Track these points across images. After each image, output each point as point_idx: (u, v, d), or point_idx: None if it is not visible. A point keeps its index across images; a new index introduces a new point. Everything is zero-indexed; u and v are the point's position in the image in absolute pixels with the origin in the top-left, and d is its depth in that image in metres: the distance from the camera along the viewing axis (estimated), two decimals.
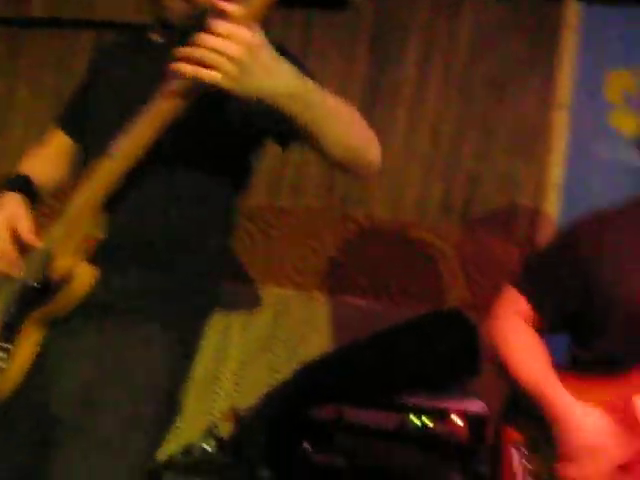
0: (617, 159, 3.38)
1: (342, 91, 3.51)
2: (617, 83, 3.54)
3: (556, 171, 3.53)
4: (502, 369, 2.12)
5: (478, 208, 3.61)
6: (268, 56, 1.49)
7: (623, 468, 1.87)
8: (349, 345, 3.21)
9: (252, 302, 3.60)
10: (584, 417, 1.92)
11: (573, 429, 1.92)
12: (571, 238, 2.14)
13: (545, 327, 2.15)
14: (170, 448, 3.13)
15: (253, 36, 1.44)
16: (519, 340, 2.11)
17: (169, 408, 1.87)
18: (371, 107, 3.67)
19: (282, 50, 1.58)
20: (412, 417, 2.91)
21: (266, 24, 1.49)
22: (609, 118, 3.51)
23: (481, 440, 2.85)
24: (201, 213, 1.90)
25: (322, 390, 2.98)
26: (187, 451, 3.16)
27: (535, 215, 3.51)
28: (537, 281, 2.15)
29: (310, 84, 1.59)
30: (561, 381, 2.01)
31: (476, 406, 2.89)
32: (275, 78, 1.51)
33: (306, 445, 2.92)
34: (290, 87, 1.53)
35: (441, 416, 2.89)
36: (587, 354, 2.09)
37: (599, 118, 3.52)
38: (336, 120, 1.66)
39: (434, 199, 3.63)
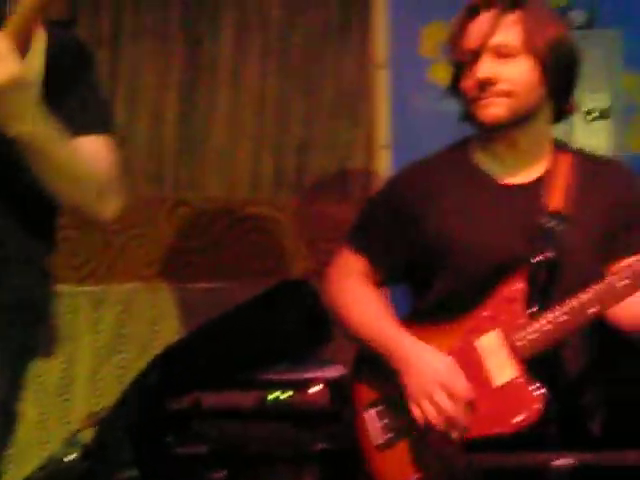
0: (439, 111, 3.50)
1: (160, 73, 3.60)
2: (433, 36, 3.61)
3: (382, 130, 3.59)
4: (346, 329, 2.17)
5: (311, 175, 3.66)
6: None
7: (469, 405, 1.93)
8: (198, 330, 3.18)
9: (97, 302, 3.54)
10: (427, 356, 1.98)
11: (419, 368, 1.97)
12: (396, 189, 2.21)
13: (383, 280, 2.20)
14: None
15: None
16: (357, 297, 2.15)
17: (5, 420, 1.81)
18: (192, 87, 3.64)
19: (80, 56, 1.57)
20: (270, 392, 2.89)
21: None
22: (428, 72, 3.60)
23: (344, 404, 2.91)
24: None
25: (177, 380, 2.95)
26: (45, 465, 3.09)
27: (368, 175, 3.58)
28: (368, 236, 2.19)
29: (44, 133, 1.57)
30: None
31: (335, 371, 2.90)
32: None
33: (169, 438, 2.92)
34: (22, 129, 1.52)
35: (300, 386, 2.89)
36: (425, 303, 2.14)
37: (419, 73, 3.60)
38: (57, 175, 1.64)
39: (266, 172, 3.64)
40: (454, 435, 1.91)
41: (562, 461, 1.05)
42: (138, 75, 3.66)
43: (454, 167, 2.15)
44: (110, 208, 1.82)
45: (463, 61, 2.03)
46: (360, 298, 2.15)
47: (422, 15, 3.65)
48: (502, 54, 1.98)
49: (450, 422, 1.92)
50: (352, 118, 3.68)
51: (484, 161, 2.13)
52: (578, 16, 3.56)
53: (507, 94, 1.99)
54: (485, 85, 1.98)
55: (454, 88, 2.11)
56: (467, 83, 2.03)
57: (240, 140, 3.67)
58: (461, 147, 2.19)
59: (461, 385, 1.94)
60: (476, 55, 2.00)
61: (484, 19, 2.00)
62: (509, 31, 1.98)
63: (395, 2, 3.67)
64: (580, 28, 3.52)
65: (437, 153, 2.22)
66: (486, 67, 1.98)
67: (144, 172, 3.63)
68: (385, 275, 2.20)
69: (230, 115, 3.68)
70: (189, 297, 3.56)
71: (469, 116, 2.08)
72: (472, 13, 2.03)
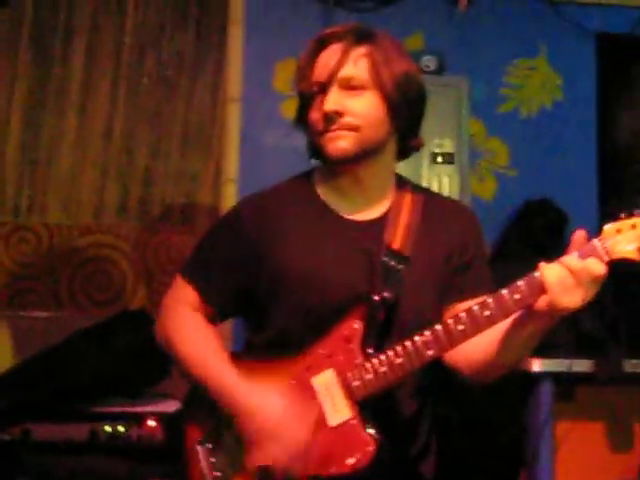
0: (289, 146, 3.58)
1: (8, 94, 3.58)
2: (287, 72, 3.69)
3: (231, 164, 3.64)
4: (179, 366, 2.08)
5: (156, 206, 3.66)
6: None
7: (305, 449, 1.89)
8: (30, 359, 3.14)
9: None
10: (263, 400, 1.93)
11: (254, 414, 1.92)
12: (235, 221, 2.12)
13: (215, 314, 2.11)
14: None
15: None
16: (189, 334, 2.07)
17: None
18: (39, 111, 3.62)
19: None
20: (104, 425, 2.87)
21: None
22: (280, 108, 3.70)
23: (178, 439, 2.92)
24: None
25: (7, 410, 2.91)
26: None
27: (214, 208, 3.62)
28: (202, 268, 2.11)
29: None
30: (238, 367, 1.99)
31: (170, 406, 2.88)
32: None
33: None
34: None
35: (135, 421, 2.88)
36: (262, 337, 2.08)
37: (270, 108, 3.69)
38: None
39: (110, 200, 3.63)
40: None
41: None
42: None
43: (297, 199, 2.09)
44: None
45: (311, 93, 1.97)
46: (192, 335, 2.07)
47: (277, 51, 3.74)
48: (350, 87, 1.95)
49: (284, 471, 1.90)
50: (201, 150, 3.71)
51: (328, 195, 2.09)
52: (430, 62, 3.74)
53: (354, 128, 1.95)
54: (332, 118, 1.94)
55: (301, 121, 2.04)
56: (314, 115, 1.96)
57: (85, 166, 3.65)
58: (305, 179, 2.13)
59: (296, 431, 1.91)
60: (324, 87, 1.96)
61: (332, 51, 1.97)
62: (357, 64, 1.96)
63: (251, 37, 3.75)
64: (431, 73, 3.70)
65: (280, 184, 2.15)
66: (333, 100, 1.94)
67: None
68: (217, 310, 2.11)
69: (76, 141, 3.66)
70: (25, 325, 3.49)
71: (316, 150, 2.01)
72: (321, 45, 2.00)
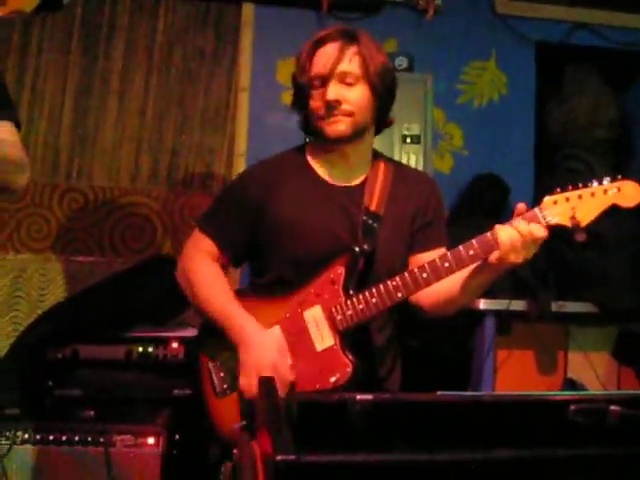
0: (288, 127, 3.57)
1: (62, 82, 3.54)
2: (286, 69, 3.67)
3: (241, 142, 3.62)
4: (194, 303, 2.07)
5: (180, 173, 3.63)
6: None
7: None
8: (78, 294, 3.12)
9: None
10: (260, 338, 1.93)
11: (253, 348, 1.92)
12: (242, 183, 2.13)
13: (227, 259, 2.10)
14: None
15: None
16: (205, 276, 2.05)
17: None
18: (86, 96, 3.57)
19: None
20: (137, 346, 2.86)
21: None
22: (281, 96, 3.66)
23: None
24: None
25: (59, 334, 2.91)
26: None
27: (227, 177, 3.59)
28: (216, 221, 2.09)
29: None
30: (243, 303, 1.99)
31: (190, 332, 2.87)
32: None
33: (50, 382, 2.86)
34: None
35: (162, 343, 2.87)
36: (263, 279, 2.08)
37: (273, 97, 3.65)
38: None
39: (144, 168, 3.59)
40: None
41: (363, 396, 1.11)
42: (41, 81, 3.56)
43: (292, 167, 2.09)
44: (22, 180, 1.82)
45: (311, 84, 1.97)
46: (205, 277, 2.06)
47: (280, 50, 3.70)
48: (346, 80, 1.95)
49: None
50: (217, 130, 3.66)
51: (318, 165, 2.09)
52: (402, 61, 3.70)
53: (350, 114, 1.96)
54: (332, 106, 1.94)
55: (299, 107, 2.04)
56: (315, 103, 1.96)
57: (123, 141, 3.61)
58: (298, 152, 2.14)
59: (286, 368, 1.91)
60: (325, 80, 1.95)
61: (330, 49, 1.96)
62: (351, 61, 1.95)
63: (259, 38, 3.70)
64: (403, 71, 3.66)
65: (278, 155, 2.15)
66: (333, 91, 1.94)
67: (42, 162, 3.53)
68: (229, 256, 2.10)
69: (116, 120, 3.61)
70: (73, 268, 3.47)
71: (315, 131, 2.01)
72: (318, 45, 1.99)
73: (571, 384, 3.07)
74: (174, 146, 3.64)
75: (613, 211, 3.02)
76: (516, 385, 3.06)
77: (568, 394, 1.13)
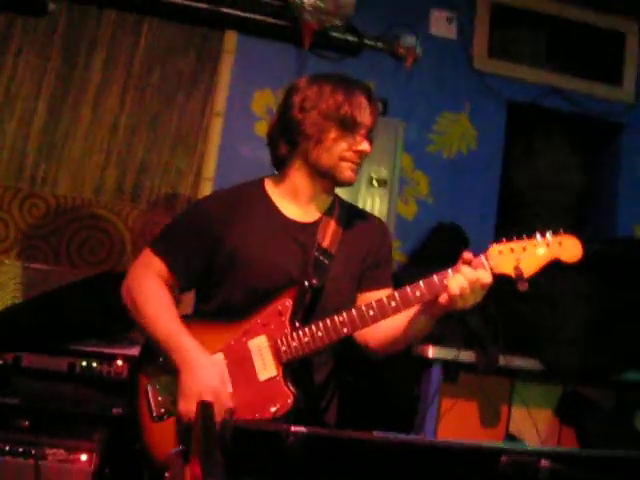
0: (258, 158, 3.59)
1: (38, 86, 3.52)
2: (262, 100, 3.76)
3: (210, 166, 3.62)
4: (139, 322, 2.02)
5: (146, 191, 3.60)
6: None
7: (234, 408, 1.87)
8: (27, 301, 3.11)
9: None
10: (203, 362, 1.90)
11: (193, 372, 1.89)
12: (200, 209, 2.12)
13: (177, 284, 2.08)
14: None
15: None
16: (152, 296, 2.02)
17: None
18: (61, 103, 3.55)
19: None
20: (81, 360, 2.82)
21: None
22: (255, 126, 3.71)
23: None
24: None
25: (3, 340, 2.86)
26: None
27: (192, 199, 3.57)
28: (170, 243, 2.07)
29: None
30: (187, 328, 1.96)
31: (136, 350, 2.82)
32: None
33: None
34: None
35: (106, 359, 2.83)
36: (210, 306, 2.06)
37: (247, 126, 3.67)
38: None
39: (110, 182, 3.57)
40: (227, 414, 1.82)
41: (297, 428, 1.10)
42: (17, 83, 3.53)
43: (252, 199, 2.09)
44: None
45: (356, 129, 1.98)
46: (152, 297, 2.02)
47: (258, 81, 3.74)
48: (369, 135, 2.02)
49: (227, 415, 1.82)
50: (187, 152, 3.66)
51: (277, 200, 2.09)
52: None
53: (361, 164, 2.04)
54: (361, 157, 2.01)
55: (297, 135, 2.01)
56: (343, 147, 1.98)
57: (93, 152, 3.59)
58: (258, 184, 2.13)
59: (226, 395, 1.89)
60: (367, 130, 1.99)
61: (364, 101, 2.00)
62: (374, 117, 2.01)
63: (239, 66, 3.73)
64: None
65: (238, 185, 2.15)
66: (367, 143, 2.00)
67: (7, 165, 3.48)
68: (178, 279, 2.07)
69: (87, 131, 3.59)
70: (27, 274, 3.41)
71: (325, 168, 2.01)
72: (350, 89, 2.01)
73: (511, 439, 3.08)
74: (142, 163, 3.63)
75: (568, 269, 3.09)
76: (458, 434, 3.06)
77: (501, 445, 1.14)
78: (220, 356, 1.96)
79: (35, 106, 3.56)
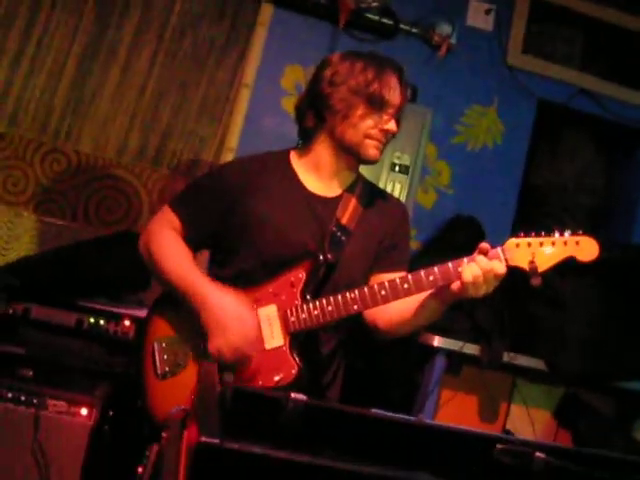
0: (282, 133, 3.60)
1: (69, 42, 3.53)
2: (292, 75, 3.73)
3: (234, 137, 3.60)
4: (156, 272, 2.05)
5: (168, 155, 3.61)
6: None
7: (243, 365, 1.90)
8: (41, 254, 3.13)
9: None
10: (222, 298, 1.92)
11: (214, 307, 1.90)
12: (222, 173, 2.14)
13: (191, 242, 2.08)
14: None
15: None
16: (169, 246, 2.04)
17: None
18: (91, 61, 3.55)
19: None
20: (89, 317, 2.84)
21: None
22: (282, 101, 3.69)
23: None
24: None
25: (15, 290, 2.88)
26: None
27: (213, 167, 3.53)
28: (187, 203, 2.09)
29: None
30: None
31: (143, 312, 2.89)
32: None
33: None
34: None
35: (114, 318, 2.86)
36: (224, 271, 2.07)
37: (274, 100, 3.66)
38: None
39: (132, 144, 3.57)
40: (230, 370, 1.86)
41: (297, 396, 1.11)
42: (48, 37, 3.53)
43: (275, 168, 2.09)
44: None
45: (383, 107, 1.98)
46: (171, 247, 2.04)
47: (290, 55, 3.71)
48: (395, 115, 2.02)
49: (238, 354, 1.89)
50: (212, 121, 3.66)
51: (301, 172, 2.09)
52: None
53: (386, 144, 2.05)
54: (388, 136, 2.01)
55: (324, 109, 2.02)
56: (369, 124, 1.98)
57: (118, 113, 3.59)
58: (283, 155, 2.14)
59: (251, 323, 1.91)
60: (395, 110, 2.00)
61: (394, 81, 2.01)
62: (403, 97, 2.02)
63: (272, 39, 3.71)
64: None
65: (263, 153, 2.16)
66: (394, 123, 2.00)
67: (33, 118, 3.51)
68: (192, 238, 2.09)
69: (115, 92, 3.59)
70: (42, 228, 3.44)
71: (349, 144, 2.01)
72: (382, 67, 2.01)
73: (507, 435, 3.08)
74: (167, 128, 3.64)
75: (581, 273, 3.07)
76: None
77: (497, 435, 1.15)
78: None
79: (65, 62, 3.58)
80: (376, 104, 1.98)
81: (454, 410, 3.13)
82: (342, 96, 1.99)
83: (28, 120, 3.52)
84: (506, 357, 3.07)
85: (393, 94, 2.00)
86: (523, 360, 3.12)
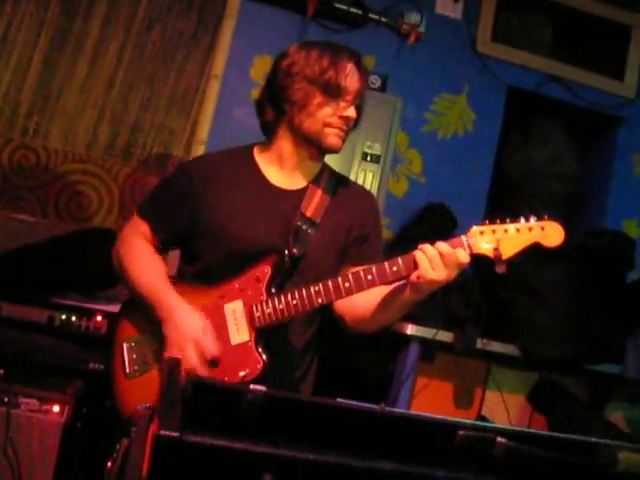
0: (253, 124, 3.57)
1: (35, 36, 3.49)
2: (261, 66, 3.69)
3: (204, 129, 3.58)
4: (126, 282, 2.06)
5: (138, 149, 3.58)
6: None
7: (212, 362, 1.91)
8: (13, 250, 3.09)
9: None
10: (188, 315, 1.92)
11: (179, 323, 1.90)
12: (185, 172, 2.12)
13: (160, 246, 2.10)
14: None
15: None
16: (138, 253, 2.05)
17: None
18: (57, 55, 3.51)
19: None
20: (61, 314, 2.82)
21: None
22: (251, 92, 3.65)
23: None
24: None
25: None
26: None
27: (184, 161, 3.50)
28: (153, 208, 2.10)
29: None
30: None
31: (117, 308, 2.85)
32: None
33: None
34: None
35: (86, 314, 2.84)
36: (191, 268, 2.08)
37: (244, 91, 3.62)
38: None
39: (102, 138, 3.55)
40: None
41: (256, 387, 1.11)
42: (14, 31, 3.49)
43: (239, 165, 2.08)
44: None
45: (341, 94, 1.97)
46: (141, 257, 2.05)
47: (258, 46, 3.70)
48: (355, 101, 2.00)
49: (190, 372, 1.85)
50: (182, 113, 3.64)
51: (264, 167, 2.08)
52: (376, 80, 3.74)
53: (348, 132, 2.02)
54: (347, 123, 1.99)
55: (281, 100, 2.00)
56: (327, 112, 1.97)
57: (87, 107, 3.56)
58: (247, 150, 2.13)
59: (210, 345, 1.90)
60: (353, 97, 1.98)
61: (351, 67, 1.99)
62: (361, 84, 2.00)
63: (240, 30, 3.69)
64: (375, 90, 3.71)
65: (225, 151, 2.14)
66: (353, 109, 1.99)
67: None
68: (161, 241, 2.10)
69: (83, 85, 3.56)
70: (12, 225, 3.36)
71: (308, 134, 1.99)
72: (337, 55, 1.99)
73: (482, 421, 3.11)
74: (136, 121, 3.61)
75: (552, 260, 3.10)
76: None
77: (459, 420, 1.15)
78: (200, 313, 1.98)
79: (31, 56, 3.54)
80: (332, 92, 1.97)
81: (429, 398, 3.15)
82: (299, 86, 1.98)
83: None
84: (480, 344, 3.09)
85: (350, 81, 1.98)
86: (497, 346, 3.15)
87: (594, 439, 1.25)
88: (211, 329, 1.94)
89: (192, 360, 1.89)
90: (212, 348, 1.91)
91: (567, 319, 3.20)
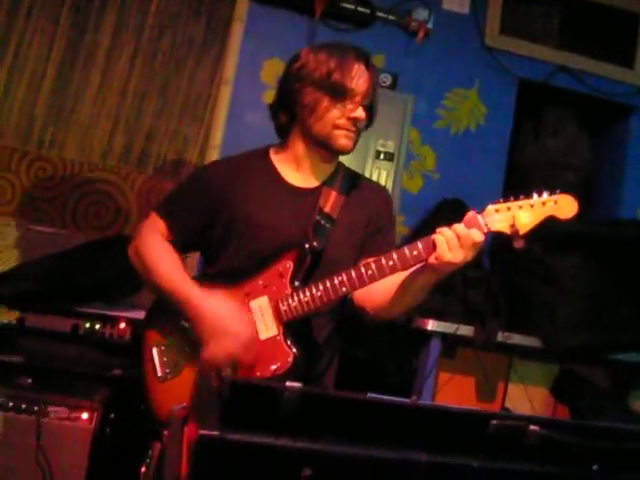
0: (266, 127, 3.59)
1: (47, 50, 3.53)
2: (272, 69, 3.72)
3: (217, 134, 3.61)
4: (148, 282, 2.07)
5: (153, 157, 3.62)
6: None
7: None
8: (35, 261, 3.13)
9: None
10: (216, 306, 1.93)
11: (207, 315, 1.92)
12: (206, 175, 2.15)
13: (179, 246, 2.11)
14: None
15: None
16: (160, 257, 2.06)
17: None
18: (70, 67, 3.55)
19: None
20: (85, 322, 2.86)
21: None
22: (263, 95, 3.69)
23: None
24: None
25: (8, 299, 2.89)
26: None
27: (198, 166, 3.56)
28: (173, 208, 2.12)
29: None
30: None
31: (139, 314, 2.75)
32: None
33: None
34: None
35: (110, 321, 2.87)
36: (215, 269, 2.11)
37: (256, 94, 3.66)
38: None
39: (117, 147, 3.59)
40: (226, 371, 1.86)
41: (293, 384, 1.13)
42: (26, 46, 3.54)
43: (256, 167, 2.12)
44: None
45: (348, 95, 1.99)
46: (162, 257, 2.06)
47: (268, 50, 3.72)
48: (364, 102, 2.02)
49: (234, 359, 1.90)
50: (195, 119, 3.68)
51: (281, 167, 2.12)
52: (386, 78, 3.76)
53: (359, 133, 2.04)
54: (357, 123, 2.00)
55: (292, 103, 2.04)
56: (335, 114, 2.00)
57: (101, 117, 3.60)
58: (263, 153, 2.16)
59: (245, 329, 1.92)
60: (362, 97, 2.00)
61: (360, 68, 2.01)
62: (369, 84, 2.02)
63: (249, 34, 3.72)
64: (386, 88, 3.73)
65: (244, 153, 2.18)
66: (361, 110, 2.00)
67: (15, 127, 3.52)
68: (180, 241, 2.12)
69: (96, 95, 3.60)
70: (32, 236, 3.42)
71: (318, 136, 2.02)
72: (346, 57, 2.01)
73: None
74: (150, 129, 3.65)
75: (571, 247, 3.10)
76: None
77: (491, 411, 1.17)
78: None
79: (44, 69, 3.58)
80: (339, 94, 1.99)
81: (452, 392, 3.16)
82: (308, 90, 2.01)
83: (10, 130, 3.52)
84: (500, 337, 3.10)
85: (357, 82, 2.00)
86: (518, 339, 3.15)
87: (622, 425, 1.26)
88: (238, 311, 1.95)
89: (233, 347, 1.90)
90: (245, 331, 1.93)
91: (588, 308, 3.20)
